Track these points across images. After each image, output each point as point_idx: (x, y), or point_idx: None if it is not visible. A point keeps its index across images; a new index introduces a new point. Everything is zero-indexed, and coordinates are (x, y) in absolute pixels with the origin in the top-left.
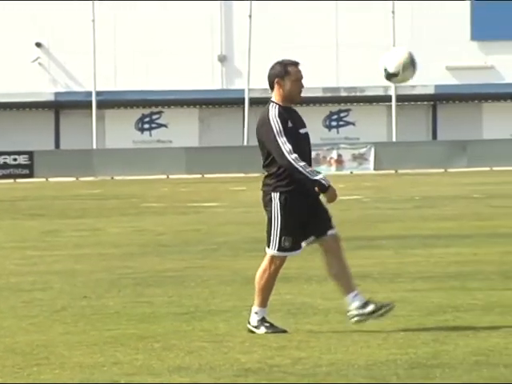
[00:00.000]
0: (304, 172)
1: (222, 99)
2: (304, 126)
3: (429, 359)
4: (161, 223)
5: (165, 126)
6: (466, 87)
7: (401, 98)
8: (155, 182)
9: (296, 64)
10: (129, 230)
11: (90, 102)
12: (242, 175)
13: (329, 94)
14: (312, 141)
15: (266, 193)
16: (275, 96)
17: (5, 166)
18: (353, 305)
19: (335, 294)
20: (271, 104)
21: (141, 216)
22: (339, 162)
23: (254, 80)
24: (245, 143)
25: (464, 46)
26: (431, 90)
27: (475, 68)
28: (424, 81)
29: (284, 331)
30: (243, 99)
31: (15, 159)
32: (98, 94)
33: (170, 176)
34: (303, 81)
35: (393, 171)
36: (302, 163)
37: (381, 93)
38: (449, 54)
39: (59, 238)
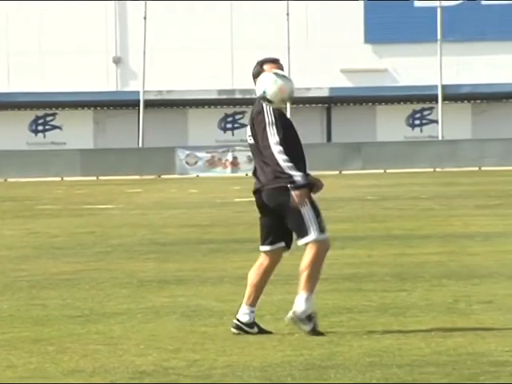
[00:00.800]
0: (283, 166)
1: (117, 101)
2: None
3: (323, 360)
4: (55, 225)
5: (59, 127)
6: (360, 90)
7: (296, 101)
8: (50, 184)
9: (273, 61)
10: (23, 233)
11: None
12: (137, 177)
13: (224, 96)
14: (207, 143)
15: (279, 189)
16: None
17: None
18: (242, 317)
19: (230, 296)
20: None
21: (35, 218)
22: (234, 164)
23: (149, 82)
24: (140, 145)
25: (358, 48)
26: (326, 93)
27: (369, 71)
28: (319, 83)
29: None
30: (138, 101)
31: None
32: None
33: (65, 178)
34: (202, 82)
35: None
36: (285, 157)
37: None
38: (343, 56)
39: None
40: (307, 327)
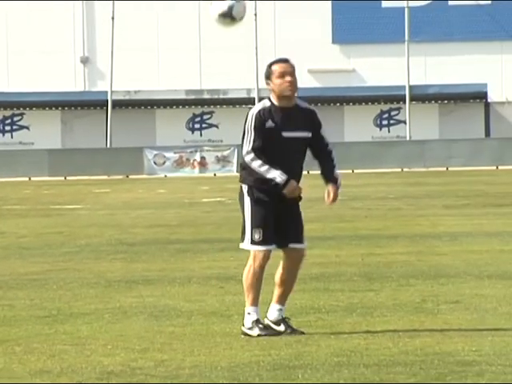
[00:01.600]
0: (259, 171)
1: (85, 101)
2: (300, 128)
3: (291, 360)
4: (23, 226)
5: (26, 127)
6: (327, 90)
7: None
8: (17, 185)
9: (282, 61)
10: None
11: None
12: (105, 177)
13: (192, 97)
14: (175, 143)
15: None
16: (272, 96)
17: None
18: (271, 315)
19: (198, 296)
20: (263, 100)
21: (2, 219)
22: (202, 164)
23: (116, 82)
24: (108, 145)
25: (326, 49)
26: None
27: (337, 71)
28: None
29: (279, 333)
30: (106, 101)
31: None
32: None
33: (33, 178)
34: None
35: None
36: (258, 162)
37: (244, 95)
38: (311, 57)
39: None
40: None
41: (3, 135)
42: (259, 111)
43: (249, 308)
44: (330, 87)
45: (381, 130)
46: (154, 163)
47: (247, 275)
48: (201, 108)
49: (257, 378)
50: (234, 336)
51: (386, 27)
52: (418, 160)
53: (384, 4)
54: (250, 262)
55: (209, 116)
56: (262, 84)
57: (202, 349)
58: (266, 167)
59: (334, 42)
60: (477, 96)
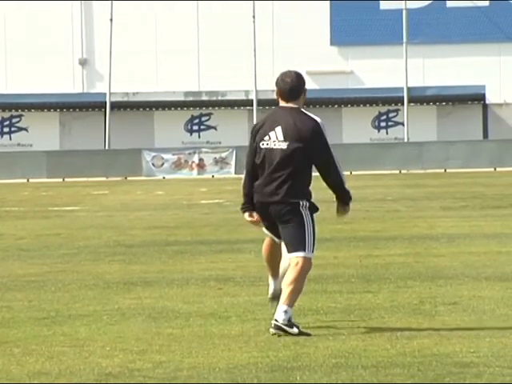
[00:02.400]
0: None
1: (83, 103)
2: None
3: (289, 362)
4: (21, 227)
5: (25, 129)
6: (326, 92)
7: (262, 103)
8: (15, 186)
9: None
10: None
11: None
12: (103, 179)
13: (190, 98)
14: (174, 145)
15: (290, 203)
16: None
17: None
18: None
19: (196, 298)
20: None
21: (0, 220)
22: (201, 166)
23: (115, 84)
24: (106, 147)
25: (324, 51)
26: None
27: (335, 73)
28: None
29: (308, 334)
30: (104, 103)
31: None
32: None
33: (31, 180)
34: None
35: None
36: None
37: (242, 97)
38: (309, 58)
39: None
40: (294, 330)
41: (1, 137)
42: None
43: (288, 308)
44: (328, 89)
45: (379, 131)
46: (153, 165)
47: (302, 280)
48: (199, 110)
49: (255, 379)
50: (232, 338)
51: (384, 29)
52: (416, 162)
53: (382, 6)
54: (303, 268)
55: (207, 118)
56: (260, 86)
57: (201, 350)
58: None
59: (332, 43)
60: (475, 98)
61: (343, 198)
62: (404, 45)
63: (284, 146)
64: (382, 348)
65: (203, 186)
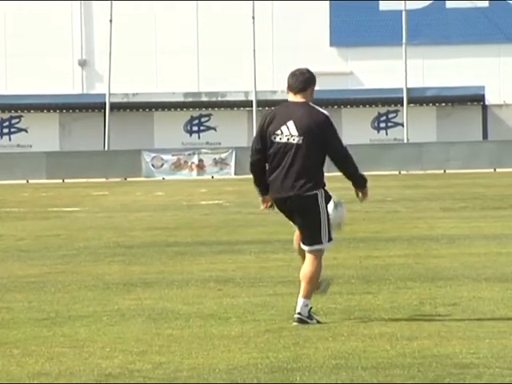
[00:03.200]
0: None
1: (83, 104)
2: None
3: (289, 363)
4: (21, 228)
5: (25, 130)
6: (325, 93)
7: (262, 103)
8: (15, 187)
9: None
10: None
11: None
12: (103, 180)
13: (190, 99)
14: (173, 145)
15: (309, 196)
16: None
17: None
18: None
19: (196, 299)
20: (312, 103)
21: (0, 221)
22: (200, 166)
23: (114, 85)
24: (106, 148)
25: (323, 52)
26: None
27: (334, 74)
28: (284, 86)
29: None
30: (104, 104)
31: None
32: None
33: (31, 181)
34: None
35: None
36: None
37: (242, 98)
38: (309, 59)
39: None
40: (313, 322)
41: (1, 138)
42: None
43: (307, 301)
44: (327, 90)
45: (378, 132)
46: (152, 166)
47: (318, 273)
48: (199, 111)
49: (255, 380)
50: (231, 339)
51: (383, 30)
52: (416, 162)
53: (382, 7)
54: (319, 262)
55: (207, 119)
56: (260, 87)
57: (200, 351)
58: (323, 173)
59: (331, 44)
60: (474, 99)
61: (359, 183)
62: (403, 45)
63: (298, 140)
64: (382, 349)
65: (203, 187)
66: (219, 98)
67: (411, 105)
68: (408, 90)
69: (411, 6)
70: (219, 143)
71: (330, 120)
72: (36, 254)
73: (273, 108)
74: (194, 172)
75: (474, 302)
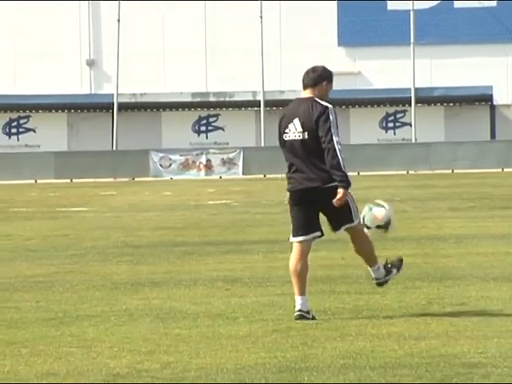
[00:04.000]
0: (343, 164)
1: (91, 104)
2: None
3: (297, 363)
4: (29, 228)
5: (33, 130)
6: (333, 93)
7: (269, 103)
8: (23, 187)
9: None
10: None
11: None
12: (111, 180)
13: (198, 99)
14: (181, 145)
15: (329, 188)
16: (316, 96)
17: None
18: (303, 307)
19: (204, 299)
20: (315, 98)
21: (9, 221)
22: (208, 166)
23: (122, 85)
24: (114, 148)
25: (331, 51)
26: (299, 95)
27: (342, 74)
28: (292, 86)
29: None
30: (112, 104)
31: None
32: None
33: (39, 181)
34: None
35: (261, 176)
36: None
37: (250, 98)
38: (316, 59)
39: None
40: (394, 273)
41: (9, 138)
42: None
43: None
44: (335, 90)
45: (386, 132)
46: (160, 166)
47: (369, 242)
48: (207, 111)
49: (263, 380)
50: (239, 338)
51: (391, 30)
52: (424, 162)
53: (390, 6)
54: (363, 233)
55: (215, 119)
56: (268, 87)
57: (208, 351)
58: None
59: (339, 44)
60: (482, 98)
61: (338, 181)
62: (411, 45)
63: (304, 136)
64: (390, 349)
65: (211, 187)
66: (227, 98)
67: (419, 104)
68: (416, 89)
69: (419, 5)
70: (227, 143)
71: (327, 111)
72: (44, 254)
73: (286, 107)
74: (202, 172)
75: (482, 302)
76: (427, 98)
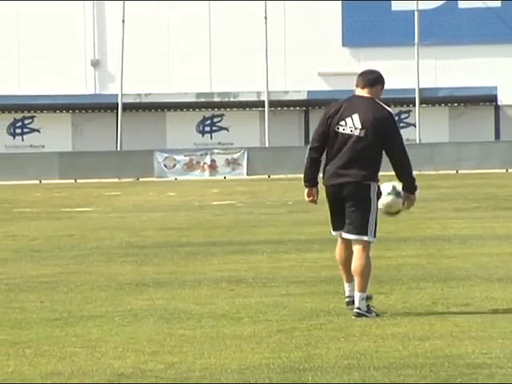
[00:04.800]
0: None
1: (95, 104)
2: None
3: (301, 363)
4: (34, 228)
5: (37, 130)
6: (337, 93)
7: (274, 104)
8: (28, 187)
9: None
10: (1, 236)
11: None
12: (116, 180)
13: (202, 100)
14: (185, 146)
15: (363, 185)
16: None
17: None
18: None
19: (208, 299)
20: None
21: (14, 221)
22: (213, 167)
23: (127, 85)
24: (118, 148)
25: (336, 52)
26: (304, 96)
27: (347, 74)
28: (296, 86)
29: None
30: (116, 104)
31: None
32: None
33: (43, 181)
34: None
35: (266, 176)
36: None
37: (254, 98)
38: (321, 59)
39: None
40: (372, 315)
41: (14, 138)
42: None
43: (363, 294)
44: (340, 90)
45: None
46: (165, 166)
47: (369, 265)
48: (211, 111)
49: (267, 380)
50: (244, 338)
51: (395, 30)
52: (428, 163)
53: (394, 7)
54: (367, 253)
55: (219, 119)
56: (272, 87)
57: (212, 351)
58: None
59: (344, 44)
60: (487, 99)
61: (409, 188)
62: (416, 46)
63: (361, 133)
64: (394, 349)
65: (215, 187)
66: (231, 99)
67: (423, 105)
68: (420, 90)
69: (423, 6)
70: (231, 143)
71: (393, 118)
72: (49, 254)
73: (340, 100)
74: (207, 172)
75: (486, 303)
76: (431, 99)
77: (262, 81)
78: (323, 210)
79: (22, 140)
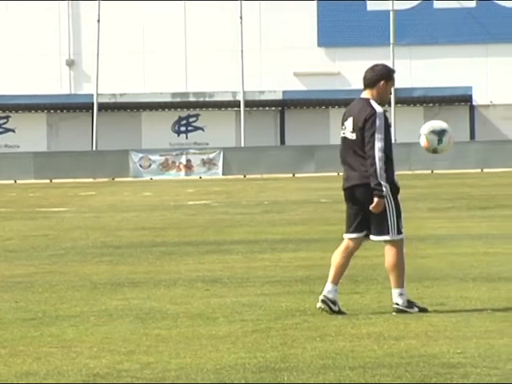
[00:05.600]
0: (382, 168)
1: (71, 104)
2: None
3: (277, 363)
4: (9, 228)
5: (12, 130)
6: (313, 93)
7: (249, 104)
8: (2, 187)
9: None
10: None
11: None
12: (91, 180)
13: (178, 99)
14: (161, 146)
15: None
16: (371, 97)
17: None
18: (329, 294)
19: (184, 299)
20: (367, 99)
21: None
22: (188, 167)
23: (102, 85)
24: (94, 148)
25: (311, 52)
26: (279, 96)
27: (322, 74)
28: (272, 86)
29: (425, 309)
30: (92, 104)
31: None
32: None
33: (18, 181)
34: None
35: (241, 176)
36: (383, 161)
37: (229, 98)
38: (296, 59)
39: None
40: (414, 310)
41: None
42: (384, 111)
43: (401, 290)
44: (315, 90)
45: None
46: (140, 166)
47: (400, 261)
48: (186, 111)
49: (243, 380)
50: (219, 338)
51: (371, 30)
52: (404, 163)
53: (369, 7)
54: (397, 250)
55: (194, 119)
56: (248, 87)
57: (188, 351)
58: (384, 168)
59: (319, 44)
60: (462, 99)
61: (374, 188)
62: (391, 46)
63: (353, 136)
64: (369, 349)
65: (190, 187)
66: (207, 99)
67: (399, 105)
68: (395, 90)
69: (399, 6)
70: (207, 143)
71: (374, 116)
72: (23, 254)
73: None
74: (182, 172)
75: (461, 302)
76: (407, 99)
77: (238, 81)
78: (299, 209)
79: None
